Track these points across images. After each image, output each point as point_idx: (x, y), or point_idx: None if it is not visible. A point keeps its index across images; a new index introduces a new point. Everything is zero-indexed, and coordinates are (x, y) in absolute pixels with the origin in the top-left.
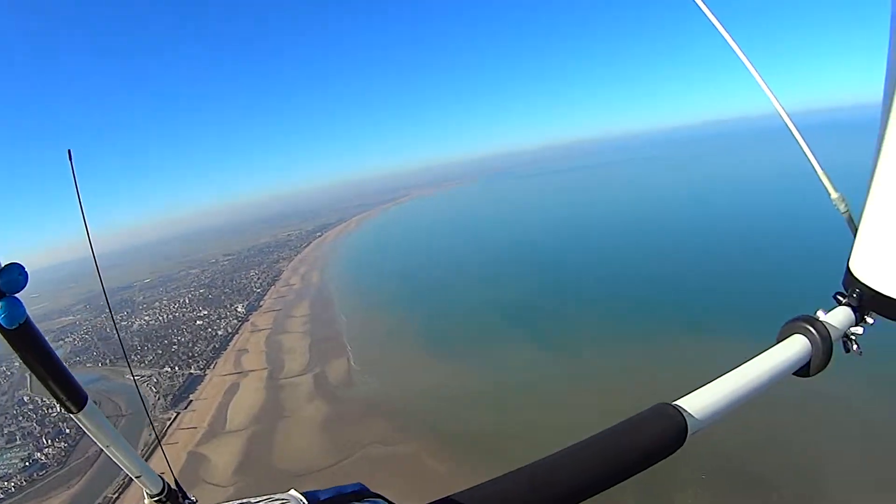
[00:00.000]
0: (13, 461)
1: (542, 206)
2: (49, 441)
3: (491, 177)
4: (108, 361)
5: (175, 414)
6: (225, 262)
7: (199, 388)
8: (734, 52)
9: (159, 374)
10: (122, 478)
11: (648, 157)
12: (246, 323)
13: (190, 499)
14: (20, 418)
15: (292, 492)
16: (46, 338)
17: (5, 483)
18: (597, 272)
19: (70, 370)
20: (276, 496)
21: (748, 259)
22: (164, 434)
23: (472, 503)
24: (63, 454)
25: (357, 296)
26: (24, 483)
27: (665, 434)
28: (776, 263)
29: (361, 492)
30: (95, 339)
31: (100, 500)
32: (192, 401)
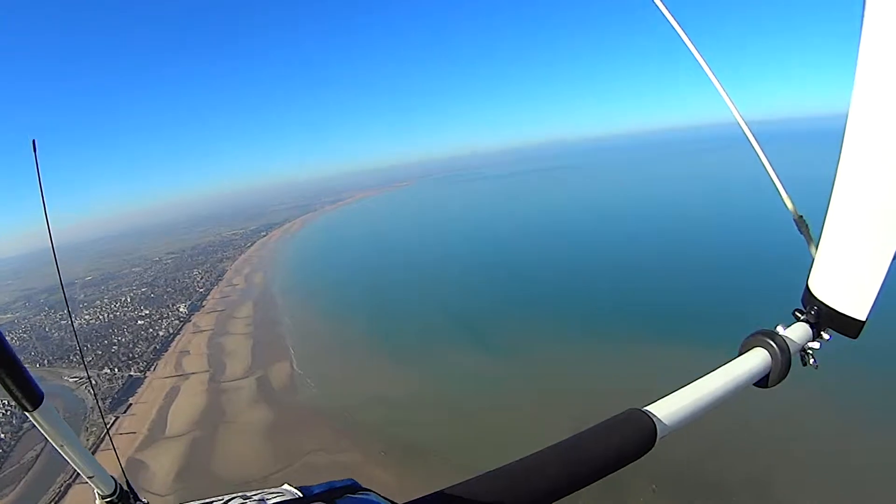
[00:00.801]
0: None
1: (495, 209)
2: None
3: (441, 178)
4: (46, 362)
5: (114, 418)
6: (168, 261)
7: (138, 390)
8: (695, 58)
9: (98, 375)
10: (58, 486)
11: (609, 161)
12: (188, 323)
13: (141, 500)
14: None
15: (286, 486)
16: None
17: None
18: (550, 276)
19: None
20: (272, 490)
21: (710, 270)
22: (103, 439)
23: (456, 500)
24: None
25: (301, 298)
26: None
27: (636, 437)
28: (737, 275)
29: (353, 486)
30: (34, 339)
31: None
32: (131, 404)
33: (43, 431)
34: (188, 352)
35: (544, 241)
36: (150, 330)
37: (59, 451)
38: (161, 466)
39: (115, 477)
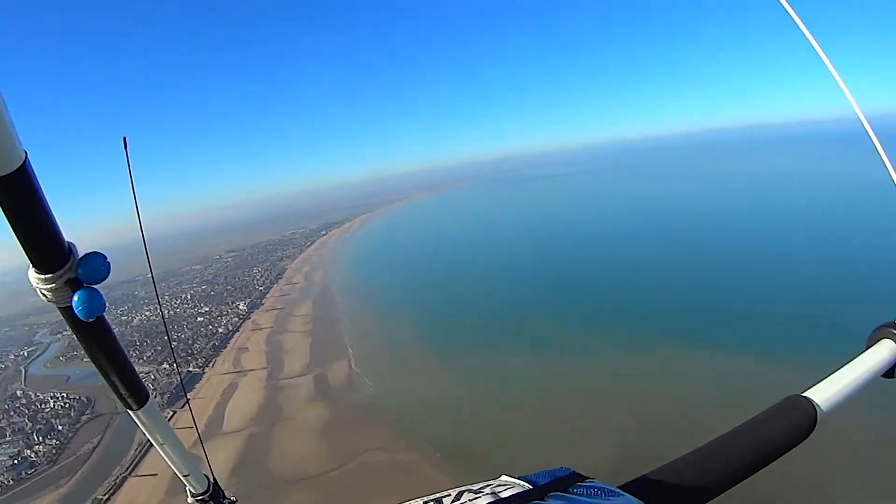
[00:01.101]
0: (1, 458)
1: (553, 211)
2: (40, 438)
3: (495, 180)
4: None
5: (171, 413)
6: (228, 259)
7: (196, 386)
8: (810, 49)
9: (157, 370)
10: (113, 478)
11: (671, 161)
12: (247, 321)
13: (229, 499)
14: (11, 413)
15: (504, 477)
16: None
17: None
18: (612, 280)
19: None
20: (497, 482)
21: (803, 270)
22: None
23: (656, 483)
24: (54, 452)
25: (360, 297)
26: (11, 482)
27: (797, 423)
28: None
29: (576, 475)
30: None
31: (89, 501)
32: (189, 399)
33: (144, 430)
34: (247, 349)
35: (604, 243)
36: (210, 326)
37: (158, 449)
38: (216, 461)
39: (208, 476)
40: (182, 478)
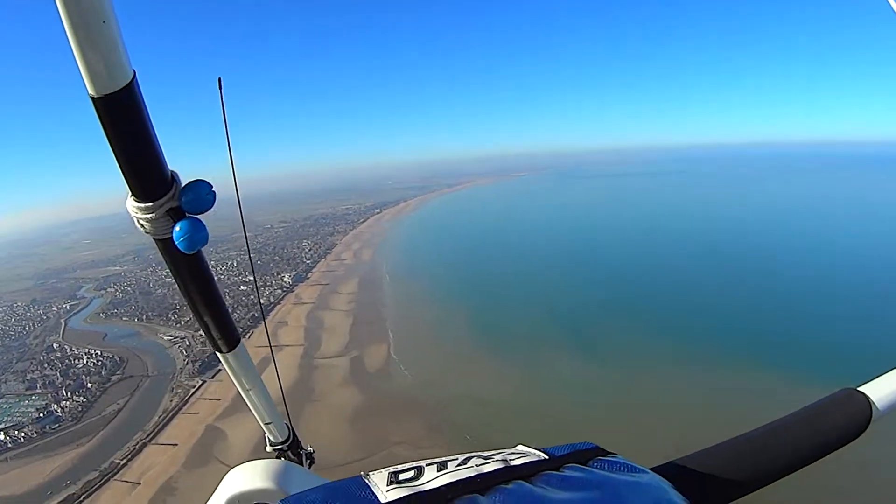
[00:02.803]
0: (29, 410)
1: (610, 209)
2: (69, 394)
3: (558, 172)
4: (144, 318)
5: (201, 382)
6: (280, 229)
7: None
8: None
9: (192, 337)
10: (134, 443)
11: (740, 169)
12: (290, 294)
13: (307, 449)
14: (45, 366)
15: (520, 447)
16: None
17: (15, 432)
18: (665, 287)
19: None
20: (510, 451)
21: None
22: (186, 402)
23: (684, 469)
24: (80, 409)
25: (408, 279)
26: (35, 434)
27: (849, 419)
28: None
29: (598, 449)
30: (136, 293)
31: (106, 464)
32: (220, 370)
33: (231, 374)
34: (286, 323)
35: (665, 247)
36: (251, 297)
37: (244, 394)
38: (240, 437)
39: (289, 424)
40: (263, 426)
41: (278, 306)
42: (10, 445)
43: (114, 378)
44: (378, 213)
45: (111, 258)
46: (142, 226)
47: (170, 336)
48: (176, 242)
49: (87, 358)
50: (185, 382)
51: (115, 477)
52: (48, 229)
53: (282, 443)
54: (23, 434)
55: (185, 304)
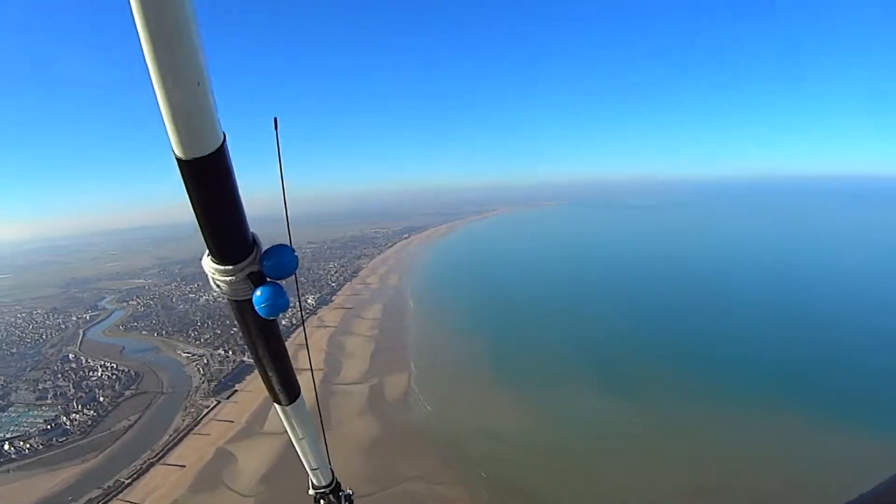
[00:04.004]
0: (37, 421)
1: (636, 240)
2: (80, 406)
3: (582, 202)
4: (164, 333)
5: (215, 402)
6: (307, 250)
7: (247, 378)
8: None
9: (211, 355)
10: (141, 462)
11: (773, 203)
12: (313, 316)
13: (346, 492)
14: (59, 376)
15: None
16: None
17: (21, 443)
18: (694, 322)
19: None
20: None
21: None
22: (198, 422)
23: None
24: (90, 423)
25: (431, 307)
26: (41, 447)
27: None
28: None
29: None
30: (158, 307)
31: (111, 482)
32: (236, 391)
33: (287, 424)
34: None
35: (692, 282)
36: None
37: (296, 443)
38: (249, 463)
39: (333, 470)
40: (310, 470)
41: (300, 328)
42: (14, 456)
43: (127, 393)
44: (406, 237)
45: (136, 271)
46: (218, 286)
47: (188, 353)
48: (256, 308)
49: (102, 371)
50: (200, 402)
51: (119, 496)
52: (76, 238)
53: (324, 486)
54: (28, 445)
55: (252, 359)
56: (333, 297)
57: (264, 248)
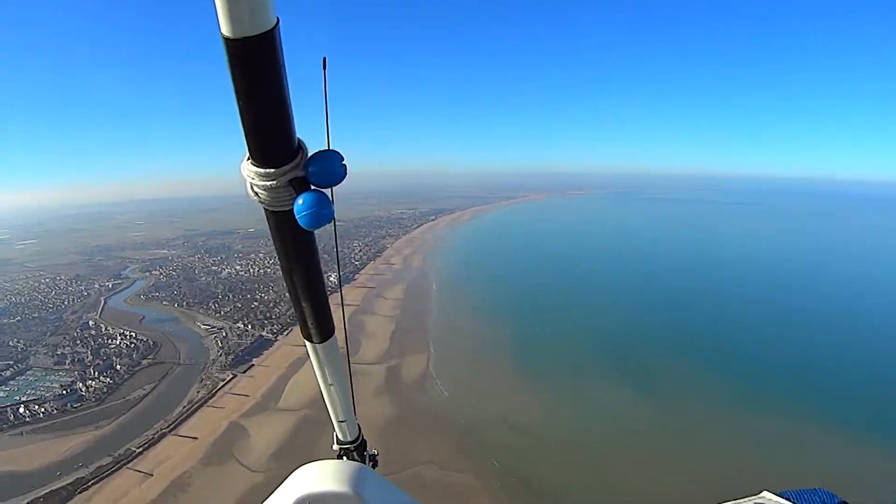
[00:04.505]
0: (53, 385)
1: (668, 234)
2: (96, 373)
3: (615, 193)
4: (185, 304)
5: (231, 376)
6: (330, 228)
7: (265, 353)
8: None
9: (230, 328)
10: (153, 431)
11: (814, 206)
12: (334, 293)
13: (372, 452)
14: (78, 342)
15: (765, 493)
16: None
17: (36, 406)
18: (725, 321)
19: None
20: (751, 498)
21: None
22: (213, 395)
23: None
24: (105, 390)
25: (454, 290)
26: (55, 411)
27: None
28: None
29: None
30: (180, 279)
31: (122, 450)
32: (253, 365)
33: (317, 366)
34: None
35: (725, 281)
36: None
37: (324, 389)
38: (262, 438)
39: (360, 426)
40: (336, 423)
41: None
42: (28, 420)
43: (144, 362)
44: (433, 219)
45: (161, 241)
46: (256, 194)
47: (207, 325)
48: (297, 216)
49: (121, 339)
50: (216, 374)
51: (129, 465)
52: (103, 206)
53: (350, 442)
54: (43, 409)
55: (286, 286)
56: (356, 276)
57: (310, 153)
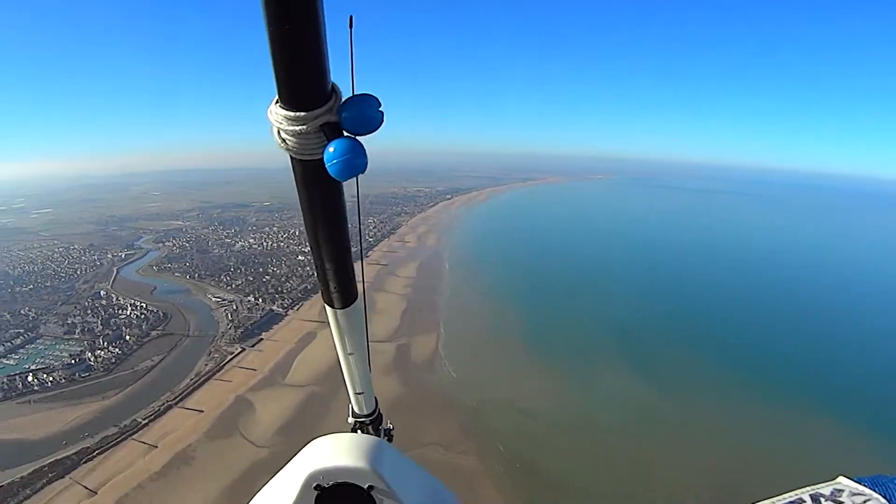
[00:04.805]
0: (62, 354)
1: (685, 223)
2: (105, 343)
3: (634, 179)
4: (196, 276)
5: (240, 349)
6: (348, 203)
7: (275, 327)
8: None
9: (241, 302)
10: (160, 403)
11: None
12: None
13: (388, 426)
14: (88, 312)
15: (841, 479)
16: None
17: (45, 375)
18: (735, 312)
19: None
20: (828, 484)
21: None
22: (221, 368)
23: None
24: (114, 361)
25: (467, 270)
26: (63, 381)
27: None
28: None
29: None
30: (193, 250)
31: (127, 421)
32: (262, 339)
33: (336, 334)
34: None
35: (743, 271)
36: (307, 268)
37: (343, 358)
38: (268, 413)
39: (377, 399)
40: (353, 394)
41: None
42: (36, 388)
43: (153, 333)
44: (449, 198)
45: (175, 212)
46: (283, 140)
47: (218, 298)
48: (326, 165)
49: (131, 309)
50: (224, 347)
51: (134, 436)
52: (121, 177)
53: (366, 416)
54: (52, 378)
55: (310, 245)
56: (369, 253)
57: (344, 97)
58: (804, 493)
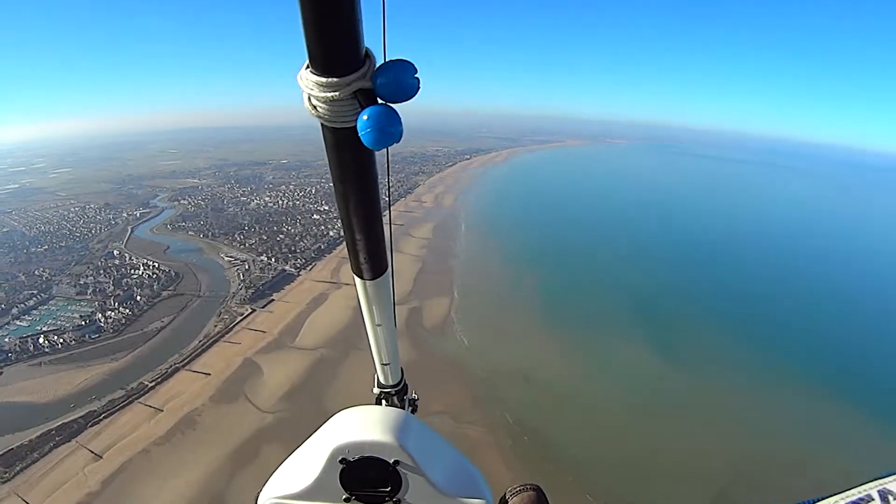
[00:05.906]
0: (73, 316)
1: (711, 194)
2: (116, 304)
3: (655, 145)
4: (210, 235)
5: (250, 310)
6: None
7: (286, 287)
8: None
9: (253, 261)
10: (168, 365)
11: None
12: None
13: (412, 396)
14: (101, 272)
15: None
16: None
17: (55, 337)
18: (757, 289)
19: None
20: (891, 479)
21: None
22: (230, 330)
23: None
24: (124, 322)
25: (484, 234)
26: (73, 342)
27: None
28: None
29: None
30: (208, 209)
31: (134, 384)
32: (273, 300)
33: (365, 305)
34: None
35: (766, 246)
36: (322, 227)
37: (370, 330)
38: (275, 378)
39: (403, 370)
40: (379, 365)
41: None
42: (46, 350)
43: (164, 294)
44: (467, 159)
45: (192, 170)
46: (314, 107)
47: (231, 257)
48: (360, 133)
49: (144, 269)
50: (235, 309)
51: (140, 399)
52: (139, 135)
53: (391, 386)
54: (62, 340)
55: (340, 215)
56: (385, 213)
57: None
58: (872, 490)
